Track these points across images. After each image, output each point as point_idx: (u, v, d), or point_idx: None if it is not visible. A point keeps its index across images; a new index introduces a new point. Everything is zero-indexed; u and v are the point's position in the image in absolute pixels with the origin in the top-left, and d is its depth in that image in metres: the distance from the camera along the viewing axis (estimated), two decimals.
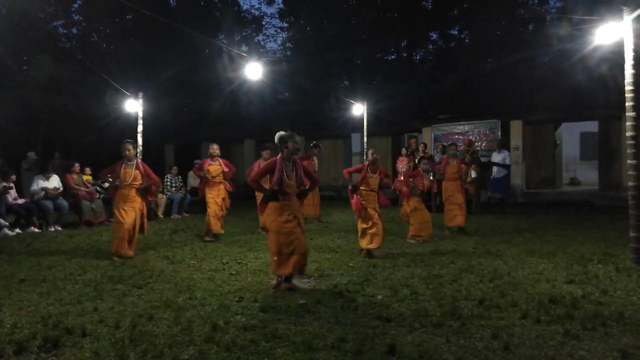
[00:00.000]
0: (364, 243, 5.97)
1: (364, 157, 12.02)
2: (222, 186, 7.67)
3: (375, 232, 5.90)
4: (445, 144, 13.70)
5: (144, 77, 16.57)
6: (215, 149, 7.76)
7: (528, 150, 14.14)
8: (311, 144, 9.96)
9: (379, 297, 4.07)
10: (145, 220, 6.38)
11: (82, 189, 9.42)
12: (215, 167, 7.65)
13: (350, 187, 6.07)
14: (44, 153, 15.28)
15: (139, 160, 6.59)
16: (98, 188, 10.07)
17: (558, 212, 10.95)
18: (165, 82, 17.18)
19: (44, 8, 17.51)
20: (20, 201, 8.78)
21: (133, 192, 6.16)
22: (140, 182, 6.23)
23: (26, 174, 11.66)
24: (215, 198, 7.55)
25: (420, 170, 7.35)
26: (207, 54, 20.84)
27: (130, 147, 6.24)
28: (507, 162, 11.15)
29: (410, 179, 7.18)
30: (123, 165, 6.18)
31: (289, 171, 4.60)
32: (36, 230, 8.51)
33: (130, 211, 6.10)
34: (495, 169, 10.90)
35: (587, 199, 12.74)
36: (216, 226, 7.46)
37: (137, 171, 6.21)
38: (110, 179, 6.35)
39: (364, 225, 5.96)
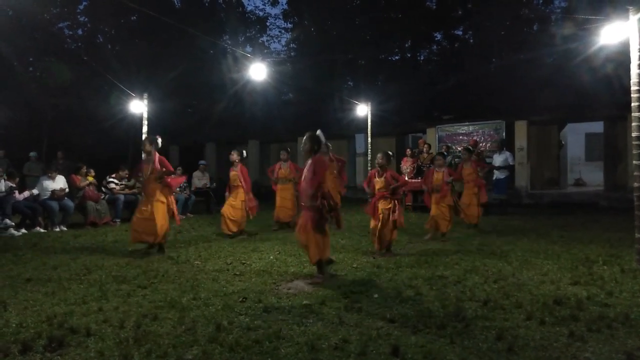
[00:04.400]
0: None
1: (368, 158, 12.03)
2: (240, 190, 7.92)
3: (376, 234, 6.07)
4: (449, 144, 13.68)
5: (149, 78, 16.63)
6: (232, 155, 7.96)
7: (533, 151, 14.10)
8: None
9: (375, 295, 4.10)
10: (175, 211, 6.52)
11: (89, 187, 9.51)
12: (234, 173, 7.94)
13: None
14: (48, 154, 15.37)
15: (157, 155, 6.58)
16: (103, 189, 10.12)
17: (563, 213, 10.90)
18: (170, 83, 17.25)
19: (49, 9, 17.62)
20: (26, 194, 8.77)
21: (154, 187, 6.30)
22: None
23: (31, 171, 11.81)
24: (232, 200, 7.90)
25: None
26: (211, 55, 20.92)
27: (147, 143, 6.51)
28: (510, 162, 11.08)
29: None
30: (143, 162, 6.47)
31: None
32: (41, 230, 8.55)
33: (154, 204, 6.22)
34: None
35: (592, 199, 12.69)
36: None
37: (154, 166, 6.34)
38: (141, 178, 6.66)
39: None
